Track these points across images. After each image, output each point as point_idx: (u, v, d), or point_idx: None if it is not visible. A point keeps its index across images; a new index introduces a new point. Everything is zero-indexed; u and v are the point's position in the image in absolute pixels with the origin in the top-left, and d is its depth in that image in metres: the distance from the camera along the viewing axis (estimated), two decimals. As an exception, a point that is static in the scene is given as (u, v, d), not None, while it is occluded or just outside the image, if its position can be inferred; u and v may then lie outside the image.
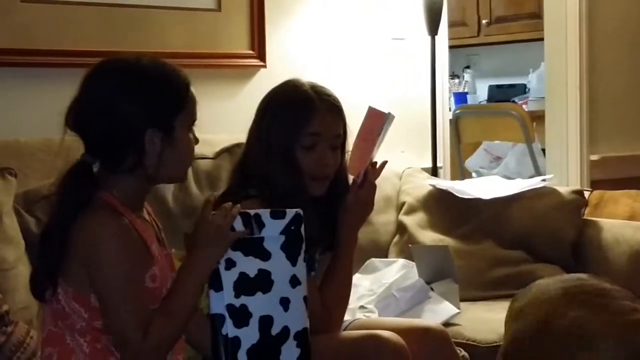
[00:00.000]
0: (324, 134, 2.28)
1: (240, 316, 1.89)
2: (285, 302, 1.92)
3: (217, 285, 1.89)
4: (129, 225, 1.84)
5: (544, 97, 4.92)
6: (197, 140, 1.96)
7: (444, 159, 4.06)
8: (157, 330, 1.80)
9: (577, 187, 3.49)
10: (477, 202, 3.28)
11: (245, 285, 1.90)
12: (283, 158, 2.25)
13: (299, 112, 2.28)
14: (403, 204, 3.36)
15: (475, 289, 3.07)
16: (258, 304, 1.90)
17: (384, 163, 2.43)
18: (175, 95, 1.90)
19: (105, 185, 1.86)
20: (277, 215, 1.94)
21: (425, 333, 2.37)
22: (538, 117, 5.22)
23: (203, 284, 1.89)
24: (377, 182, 2.43)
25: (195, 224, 1.91)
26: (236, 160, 2.40)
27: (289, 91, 2.32)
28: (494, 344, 2.67)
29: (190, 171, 2.90)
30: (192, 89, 1.94)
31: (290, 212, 1.94)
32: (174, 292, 1.85)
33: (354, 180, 2.38)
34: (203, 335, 1.95)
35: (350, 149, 2.41)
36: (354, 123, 2.78)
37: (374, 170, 2.40)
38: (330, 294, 2.31)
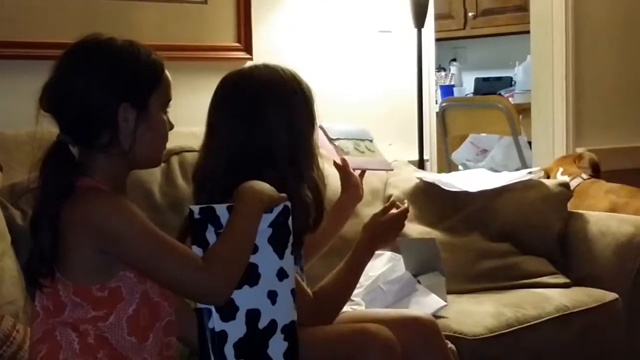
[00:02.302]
0: None
1: (227, 310, 1.88)
2: (272, 296, 1.92)
3: (204, 279, 1.88)
4: (118, 195, 1.85)
5: (530, 90, 4.93)
6: (171, 126, 1.97)
7: (431, 151, 4.06)
8: (216, 256, 1.82)
9: (565, 178, 3.49)
10: (463, 194, 3.29)
11: (232, 279, 1.89)
12: (313, 156, 2.29)
13: (310, 101, 2.30)
14: (390, 196, 3.36)
15: (462, 282, 3.07)
16: (245, 297, 1.90)
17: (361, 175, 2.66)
18: (148, 74, 1.91)
19: (85, 171, 1.86)
20: (264, 208, 1.93)
21: (414, 323, 2.38)
22: (524, 110, 5.23)
23: (257, 220, 1.90)
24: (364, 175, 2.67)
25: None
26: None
27: (283, 83, 2.30)
28: (481, 337, 2.68)
29: (177, 164, 2.91)
30: (167, 72, 1.95)
31: (278, 205, 1.94)
32: (228, 227, 1.87)
33: (391, 202, 2.51)
34: (190, 329, 1.95)
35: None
36: (340, 116, 2.80)
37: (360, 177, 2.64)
38: (333, 292, 2.32)
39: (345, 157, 2.64)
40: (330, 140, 2.66)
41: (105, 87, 1.85)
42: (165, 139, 1.96)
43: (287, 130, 2.23)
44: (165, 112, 1.95)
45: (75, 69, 1.87)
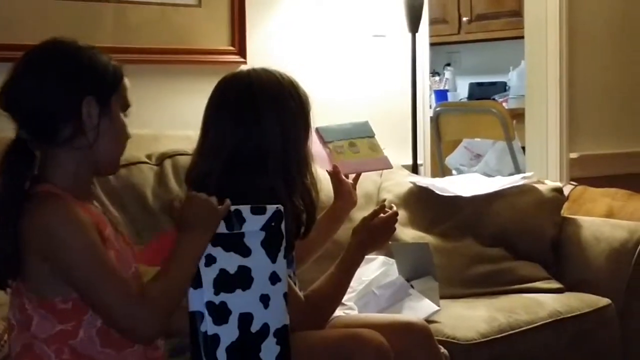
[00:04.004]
0: None
1: (220, 313, 1.88)
2: (265, 299, 1.92)
3: (197, 283, 1.88)
4: (74, 206, 1.81)
5: (524, 95, 4.94)
6: (128, 135, 1.95)
7: (425, 156, 4.06)
8: (154, 296, 1.79)
9: (560, 183, 3.50)
10: (457, 199, 3.28)
11: (225, 282, 1.89)
12: (307, 163, 2.28)
13: (306, 109, 2.29)
14: (383, 201, 3.36)
15: (456, 287, 3.07)
16: (238, 301, 1.89)
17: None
18: (110, 73, 1.90)
19: (45, 178, 1.84)
20: (257, 211, 1.93)
21: (407, 328, 2.37)
22: (518, 115, 5.23)
23: (201, 253, 1.87)
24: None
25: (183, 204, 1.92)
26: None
27: (281, 88, 2.29)
28: (474, 342, 2.68)
29: (170, 167, 2.90)
30: (126, 79, 1.95)
31: (271, 209, 1.94)
32: (171, 259, 1.85)
33: (381, 205, 2.49)
34: (184, 321, 1.93)
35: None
36: (333, 120, 2.80)
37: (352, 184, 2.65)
38: (324, 296, 2.32)
39: (340, 162, 2.63)
40: (325, 144, 2.65)
41: (71, 79, 1.84)
42: (125, 141, 1.95)
43: (280, 135, 2.22)
44: (125, 117, 1.94)
45: (37, 64, 1.86)
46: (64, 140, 1.84)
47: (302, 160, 2.27)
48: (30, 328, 1.82)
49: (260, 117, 2.22)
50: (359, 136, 2.74)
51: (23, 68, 1.87)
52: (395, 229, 2.49)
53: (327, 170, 2.63)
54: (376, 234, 2.44)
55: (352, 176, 2.68)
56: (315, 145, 2.56)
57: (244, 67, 2.38)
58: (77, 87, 1.85)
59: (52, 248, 1.77)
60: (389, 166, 2.89)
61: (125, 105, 1.93)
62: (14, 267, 1.80)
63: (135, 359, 1.86)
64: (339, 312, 2.58)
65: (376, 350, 2.17)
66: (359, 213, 3.00)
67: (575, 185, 3.75)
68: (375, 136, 2.81)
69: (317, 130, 2.56)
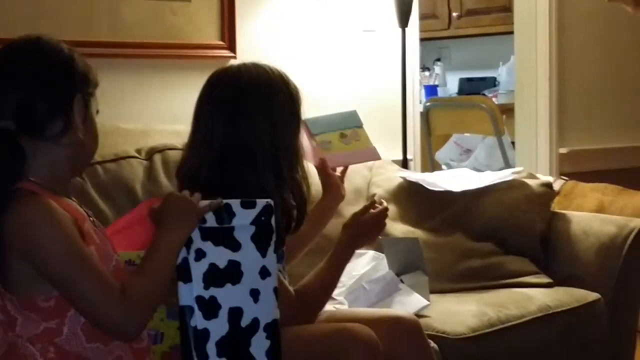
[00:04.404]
0: None
1: (210, 308, 1.88)
2: (255, 294, 1.92)
3: (186, 277, 1.88)
4: (53, 203, 1.81)
5: (513, 90, 4.95)
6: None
7: (415, 151, 4.06)
8: (136, 292, 1.78)
9: (549, 178, 3.50)
10: (447, 194, 3.29)
11: (214, 277, 1.89)
12: (297, 157, 2.27)
13: (297, 103, 2.29)
14: (373, 195, 3.36)
15: (445, 281, 3.07)
16: (227, 295, 1.89)
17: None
18: (92, 75, 1.93)
19: (27, 173, 1.83)
20: (247, 205, 1.93)
21: (397, 322, 2.38)
22: (508, 110, 5.25)
23: (178, 249, 1.88)
24: (347, 173, 2.68)
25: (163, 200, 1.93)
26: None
27: (271, 83, 2.29)
28: (464, 336, 2.69)
29: (159, 161, 2.90)
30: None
31: (261, 203, 1.94)
32: (150, 256, 1.85)
33: (371, 201, 2.50)
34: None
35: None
36: (322, 113, 2.79)
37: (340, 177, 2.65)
38: (315, 290, 2.32)
39: (327, 155, 2.63)
40: (312, 136, 2.64)
41: (65, 76, 1.86)
42: (97, 144, 1.96)
43: (270, 129, 2.22)
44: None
45: (28, 60, 1.86)
46: (52, 136, 1.84)
47: (293, 155, 2.27)
48: (15, 328, 1.81)
49: (249, 112, 2.22)
50: (347, 127, 2.73)
51: (13, 59, 1.87)
52: (385, 224, 2.49)
53: (314, 165, 2.62)
54: (366, 229, 2.45)
55: (340, 169, 2.68)
56: (303, 139, 2.55)
57: (234, 62, 2.37)
58: (70, 84, 1.86)
59: (32, 246, 1.76)
60: (377, 157, 2.87)
61: (96, 108, 1.95)
62: None
63: (122, 351, 1.85)
64: (329, 306, 2.58)
65: (365, 344, 2.18)
66: (349, 208, 3.00)
67: (566, 180, 3.76)
68: (363, 126, 2.79)
69: (304, 122, 2.55)
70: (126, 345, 1.86)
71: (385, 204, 2.49)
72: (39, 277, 1.78)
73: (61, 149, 1.86)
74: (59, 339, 1.80)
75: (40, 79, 1.84)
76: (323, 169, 2.61)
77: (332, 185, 2.61)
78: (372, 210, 2.45)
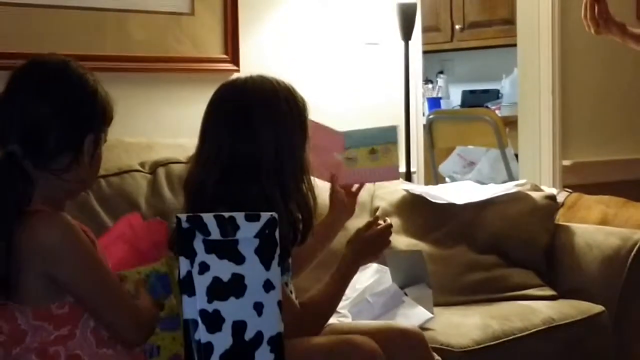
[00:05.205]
0: None
1: (213, 321, 1.87)
2: (258, 307, 1.91)
3: (190, 290, 1.88)
4: (71, 219, 1.84)
5: (516, 103, 4.94)
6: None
7: (418, 163, 4.07)
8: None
9: (553, 190, 3.50)
10: (450, 207, 3.29)
11: (218, 290, 1.89)
12: (303, 169, 2.27)
13: (303, 115, 2.29)
14: (377, 209, 3.36)
15: (449, 294, 3.07)
16: (231, 309, 1.89)
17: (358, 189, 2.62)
18: (108, 109, 1.94)
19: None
20: (251, 218, 1.93)
21: (401, 335, 2.37)
22: (511, 123, 5.24)
23: None
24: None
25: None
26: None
27: (276, 95, 2.29)
28: (468, 349, 2.68)
29: (163, 175, 2.90)
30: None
31: (265, 216, 1.94)
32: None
33: (375, 217, 2.51)
34: None
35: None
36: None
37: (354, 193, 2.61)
38: (319, 305, 2.32)
39: (346, 171, 2.57)
40: (343, 150, 2.58)
41: (81, 116, 1.87)
42: (99, 169, 2.00)
43: (275, 140, 2.21)
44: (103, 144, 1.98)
45: (48, 91, 1.86)
46: (57, 169, 1.85)
47: (298, 166, 2.27)
48: (20, 342, 1.82)
49: (253, 124, 2.21)
50: (381, 142, 2.67)
51: (33, 86, 1.87)
52: (389, 241, 2.48)
53: (324, 179, 2.59)
54: (370, 245, 2.44)
55: (356, 185, 2.64)
56: (325, 152, 2.52)
57: (240, 75, 2.37)
58: (87, 122, 1.88)
59: (56, 262, 1.79)
60: (396, 177, 2.83)
61: (106, 135, 1.98)
62: (4, 288, 1.80)
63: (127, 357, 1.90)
64: (333, 319, 2.58)
65: (368, 356, 2.17)
66: (353, 221, 3.01)
67: (570, 193, 3.76)
68: (397, 142, 2.71)
69: (340, 134, 2.54)
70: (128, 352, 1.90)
71: (389, 220, 2.48)
72: (53, 285, 1.81)
73: (62, 182, 1.87)
74: (72, 342, 1.83)
75: (56, 110, 1.84)
76: (331, 185, 2.60)
77: (338, 202, 2.59)
78: (376, 227, 2.44)
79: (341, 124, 3.15)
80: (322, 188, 2.49)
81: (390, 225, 2.47)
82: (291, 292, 2.29)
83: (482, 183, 3.84)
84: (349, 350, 2.18)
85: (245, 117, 2.22)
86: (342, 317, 2.72)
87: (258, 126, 2.21)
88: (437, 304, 2.89)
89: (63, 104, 1.85)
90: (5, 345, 1.83)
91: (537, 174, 4.39)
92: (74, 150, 1.86)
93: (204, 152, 2.25)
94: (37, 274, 1.79)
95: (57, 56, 1.95)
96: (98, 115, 1.90)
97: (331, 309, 2.37)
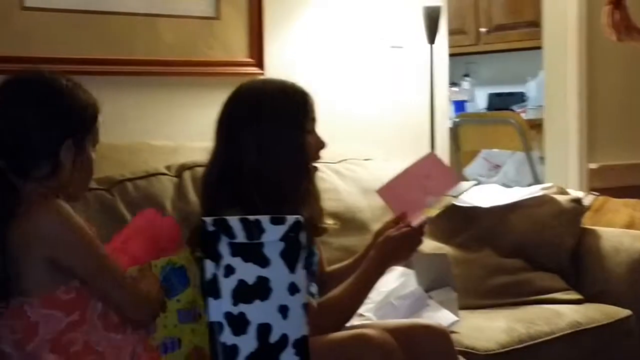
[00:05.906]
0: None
1: (239, 324, 1.88)
2: (284, 310, 1.92)
3: (216, 293, 1.89)
4: (64, 203, 1.89)
5: (542, 106, 4.93)
6: (93, 172, 2.02)
7: (443, 167, 4.05)
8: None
9: (579, 194, 3.48)
10: (476, 210, 3.28)
11: (243, 293, 1.89)
12: (307, 169, 2.27)
13: (300, 103, 2.30)
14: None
15: (474, 297, 3.06)
16: (256, 311, 1.90)
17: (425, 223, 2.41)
18: (89, 114, 1.96)
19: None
20: (277, 221, 1.94)
21: (425, 331, 2.37)
22: (537, 126, 5.22)
23: None
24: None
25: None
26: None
27: (278, 92, 2.31)
28: (493, 352, 2.68)
29: (189, 178, 2.91)
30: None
31: (291, 219, 1.94)
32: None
33: (402, 214, 2.41)
34: None
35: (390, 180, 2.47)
36: (351, 131, 2.78)
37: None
38: (337, 304, 2.32)
39: (419, 214, 2.44)
40: (444, 195, 2.50)
41: (55, 121, 1.89)
42: (91, 177, 2.02)
43: (255, 142, 2.24)
44: (94, 151, 2.00)
45: (21, 101, 1.90)
46: (37, 178, 1.89)
47: (302, 167, 2.28)
48: (36, 335, 1.85)
49: (233, 129, 2.27)
50: (460, 192, 2.65)
51: (7, 101, 1.91)
52: (420, 242, 2.40)
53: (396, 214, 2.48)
54: (399, 248, 2.38)
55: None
56: (424, 190, 2.48)
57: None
58: (59, 130, 1.90)
59: (59, 245, 1.84)
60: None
61: (95, 142, 1.99)
62: (4, 290, 1.84)
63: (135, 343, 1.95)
64: (356, 322, 2.57)
65: (381, 348, 2.17)
66: (376, 225, 3.00)
67: (597, 196, 3.74)
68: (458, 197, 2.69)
69: (456, 178, 2.52)
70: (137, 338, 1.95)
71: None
72: (57, 271, 1.85)
73: (46, 190, 1.90)
74: (85, 326, 1.86)
75: (29, 120, 1.88)
76: (396, 218, 2.46)
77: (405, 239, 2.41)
78: (405, 228, 2.37)
79: (366, 127, 3.17)
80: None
81: (421, 227, 2.40)
82: (314, 296, 2.29)
83: (508, 186, 3.83)
84: (361, 343, 2.19)
85: (228, 122, 2.29)
86: (367, 320, 2.72)
87: (238, 130, 2.26)
88: (462, 307, 2.88)
89: (35, 113, 1.89)
90: (21, 344, 1.86)
91: (564, 177, 4.37)
92: (52, 157, 1.89)
93: (210, 157, 2.34)
94: (38, 259, 1.83)
95: (30, 70, 1.99)
96: (74, 121, 1.92)
97: (351, 310, 2.35)
